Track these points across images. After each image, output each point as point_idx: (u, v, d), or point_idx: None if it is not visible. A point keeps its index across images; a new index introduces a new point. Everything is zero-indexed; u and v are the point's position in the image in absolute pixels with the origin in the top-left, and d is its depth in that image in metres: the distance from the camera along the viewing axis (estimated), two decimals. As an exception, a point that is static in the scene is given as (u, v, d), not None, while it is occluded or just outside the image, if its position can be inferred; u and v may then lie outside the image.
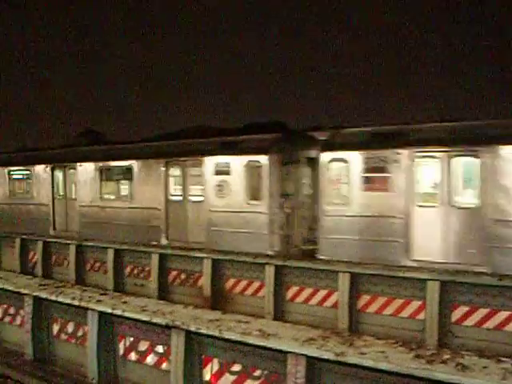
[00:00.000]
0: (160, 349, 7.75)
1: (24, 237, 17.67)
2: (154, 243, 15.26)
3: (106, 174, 17.95)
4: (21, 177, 21.30)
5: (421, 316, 10.26)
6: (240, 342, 6.61)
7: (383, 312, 10.75)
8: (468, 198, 11.73)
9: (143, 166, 16.57)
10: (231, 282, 12.39)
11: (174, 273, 13.40)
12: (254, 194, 14.23)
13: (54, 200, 19.57)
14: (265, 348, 6.40)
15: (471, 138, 11.33)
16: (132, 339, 8.13)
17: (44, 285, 9.97)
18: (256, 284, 12.01)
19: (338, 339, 6.31)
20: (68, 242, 16.21)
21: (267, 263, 11.66)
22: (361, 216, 12.51)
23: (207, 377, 7.22)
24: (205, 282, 12.56)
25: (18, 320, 10.00)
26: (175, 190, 16.13)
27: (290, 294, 11.59)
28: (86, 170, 18.26)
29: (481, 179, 11.20)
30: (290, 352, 6.10)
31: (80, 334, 8.87)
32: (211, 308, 10.78)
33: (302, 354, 6.00)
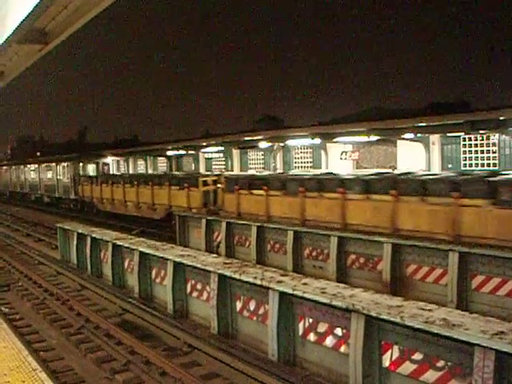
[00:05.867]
0: (339, 331, 7.76)
1: (209, 217, 18.52)
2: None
3: None
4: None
5: None
6: (423, 331, 6.39)
7: None
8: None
9: None
10: (412, 267, 11.98)
11: (353, 256, 13.28)
12: None
13: None
14: (449, 338, 6.12)
15: None
16: (311, 320, 8.23)
17: (228, 263, 10.42)
18: (438, 271, 11.51)
19: (532, 335, 5.84)
20: (249, 223, 16.73)
21: (451, 250, 11.13)
22: None
23: (386, 363, 7.10)
24: (384, 266, 12.31)
25: (205, 295, 10.60)
26: None
27: (475, 283, 10.97)
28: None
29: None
30: (478, 345, 5.76)
31: (261, 311, 9.17)
32: (390, 293, 10.53)
33: (492, 348, 5.64)
